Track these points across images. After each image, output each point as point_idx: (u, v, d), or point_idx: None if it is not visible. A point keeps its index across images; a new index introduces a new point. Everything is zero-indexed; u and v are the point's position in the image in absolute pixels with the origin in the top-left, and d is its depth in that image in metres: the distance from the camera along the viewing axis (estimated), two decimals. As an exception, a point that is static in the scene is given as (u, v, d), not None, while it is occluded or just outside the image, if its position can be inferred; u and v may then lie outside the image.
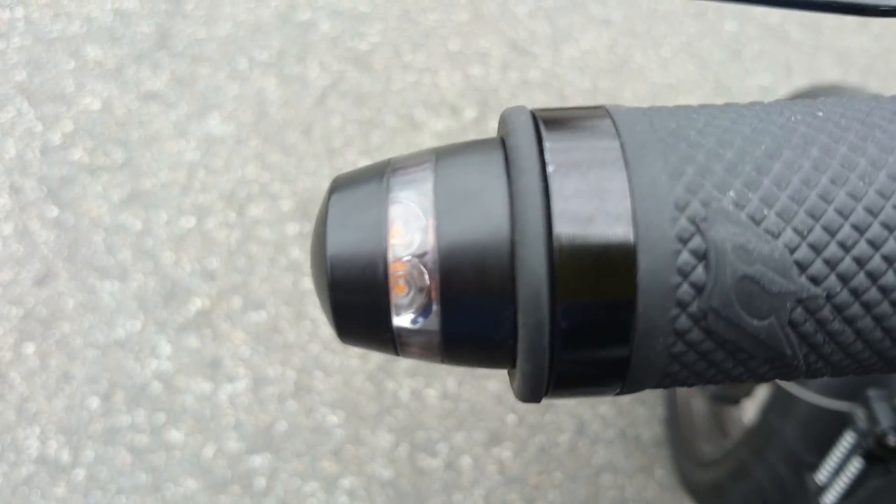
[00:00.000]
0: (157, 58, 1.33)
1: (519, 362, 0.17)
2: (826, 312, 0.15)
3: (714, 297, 0.15)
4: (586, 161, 0.16)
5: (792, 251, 0.15)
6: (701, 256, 0.15)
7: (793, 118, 0.16)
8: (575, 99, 1.38)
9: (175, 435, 1.01)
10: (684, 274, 0.15)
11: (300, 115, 1.29)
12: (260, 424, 1.02)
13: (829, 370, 0.17)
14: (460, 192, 0.17)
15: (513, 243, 0.16)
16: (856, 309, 0.15)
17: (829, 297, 0.15)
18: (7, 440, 1.00)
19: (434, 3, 1.45)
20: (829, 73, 1.47)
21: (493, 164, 0.17)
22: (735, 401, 0.85)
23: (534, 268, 0.16)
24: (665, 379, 0.17)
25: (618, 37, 1.46)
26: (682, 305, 0.15)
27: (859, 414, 0.45)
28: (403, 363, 1.07)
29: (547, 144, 0.17)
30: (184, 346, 1.07)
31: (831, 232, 0.15)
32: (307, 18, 1.41)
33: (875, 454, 0.44)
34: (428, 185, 0.17)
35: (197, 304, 1.10)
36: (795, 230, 0.15)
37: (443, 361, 0.19)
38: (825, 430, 0.56)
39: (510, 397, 1.06)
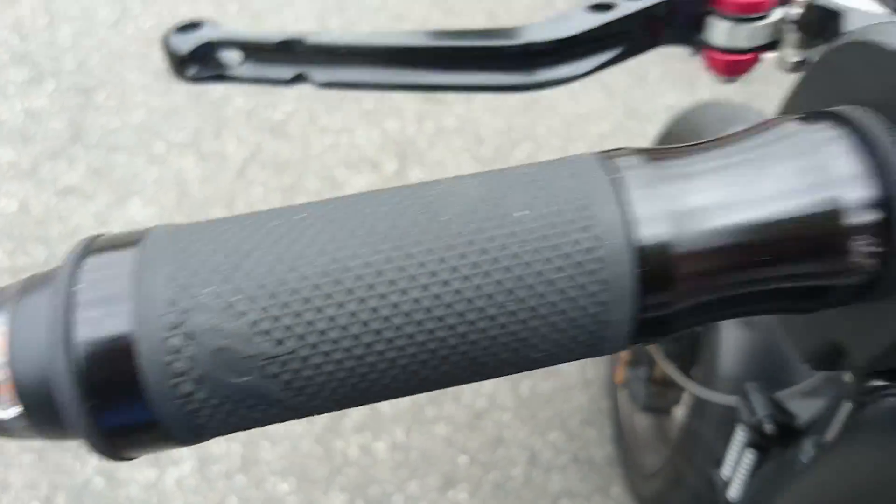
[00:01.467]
0: (71, 152, 1.33)
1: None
2: (296, 364, 0.21)
3: (200, 365, 0.20)
4: (108, 277, 0.21)
5: (257, 323, 0.20)
6: (190, 337, 0.20)
7: (274, 223, 0.22)
8: (493, 140, 1.42)
9: (123, 529, 0.98)
10: (177, 351, 0.20)
11: (222, 190, 1.31)
12: (210, 504, 1.01)
13: (323, 407, 0.22)
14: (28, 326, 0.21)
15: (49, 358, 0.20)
16: (318, 358, 0.21)
17: (293, 353, 0.20)
18: (-54, 561, 0.96)
19: (343, 65, 1.49)
20: (728, 87, 1.54)
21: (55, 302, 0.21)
22: (666, 410, 0.87)
23: (60, 369, 0.20)
24: (205, 431, 0.21)
25: (524, 75, 1.51)
26: (181, 375, 0.20)
27: (742, 407, 0.48)
28: (350, 420, 1.07)
29: (85, 267, 0.21)
30: (124, 435, 1.05)
31: (287, 306, 0.20)
32: (220, 95, 1.43)
33: (758, 443, 0.46)
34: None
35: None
36: (263, 308, 0.20)
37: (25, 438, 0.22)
38: (730, 427, 0.58)
39: (460, 438, 1.07)
